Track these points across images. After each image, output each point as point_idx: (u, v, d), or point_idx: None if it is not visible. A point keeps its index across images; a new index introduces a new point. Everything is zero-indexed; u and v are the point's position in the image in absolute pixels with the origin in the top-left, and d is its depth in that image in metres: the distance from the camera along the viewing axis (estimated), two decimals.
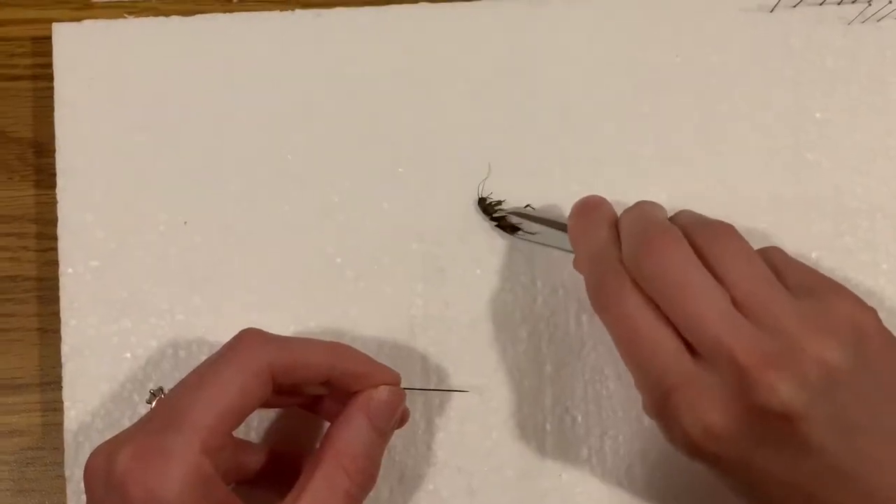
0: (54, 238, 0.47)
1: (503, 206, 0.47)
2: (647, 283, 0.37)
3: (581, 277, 0.41)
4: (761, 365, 0.34)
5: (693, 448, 0.35)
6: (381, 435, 0.39)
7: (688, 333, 0.36)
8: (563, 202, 0.47)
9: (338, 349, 0.40)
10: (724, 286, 0.36)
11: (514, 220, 0.47)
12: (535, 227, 0.46)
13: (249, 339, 0.38)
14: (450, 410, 0.46)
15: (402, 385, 0.41)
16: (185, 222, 0.47)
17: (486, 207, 0.47)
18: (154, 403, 0.39)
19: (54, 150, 0.47)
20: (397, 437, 0.45)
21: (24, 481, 0.47)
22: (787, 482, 0.35)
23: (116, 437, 0.37)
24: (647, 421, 0.45)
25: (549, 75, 0.49)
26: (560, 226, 0.45)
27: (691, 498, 0.45)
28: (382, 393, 0.39)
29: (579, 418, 0.46)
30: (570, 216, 0.43)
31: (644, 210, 0.41)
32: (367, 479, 0.38)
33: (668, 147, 0.48)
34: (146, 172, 0.47)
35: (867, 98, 0.49)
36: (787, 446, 0.34)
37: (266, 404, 0.39)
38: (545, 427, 0.46)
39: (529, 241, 0.46)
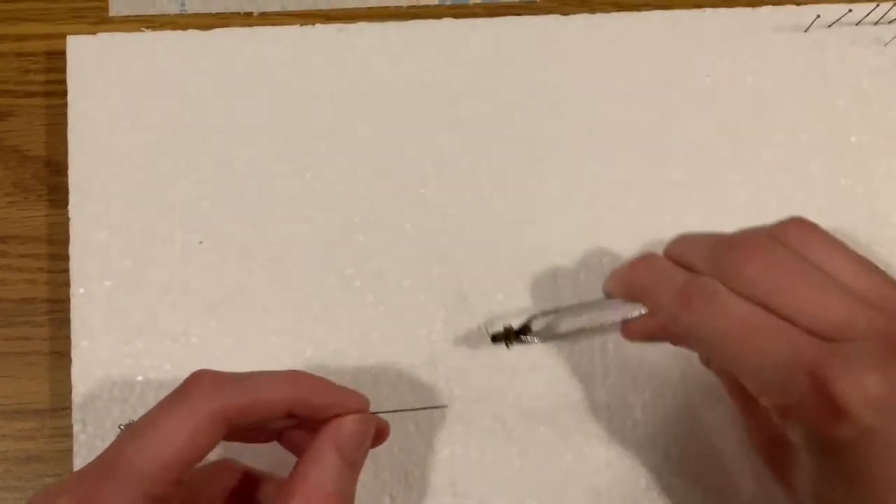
0: (68, 259, 0.43)
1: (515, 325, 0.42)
2: (749, 288, 0.32)
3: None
4: None
5: (845, 420, 0.30)
6: (352, 466, 0.35)
7: (812, 321, 0.31)
8: (590, 226, 0.44)
9: (297, 380, 0.36)
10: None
11: (539, 325, 0.42)
12: (567, 322, 0.41)
13: (199, 381, 0.34)
14: (470, 438, 0.42)
15: (374, 408, 0.37)
16: (201, 242, 0.43)
17: (506, 335, 0.41)
18: None
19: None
20: (415, 466, 0.42)
21: None
22: None
23: (58, 483, 0.33)
24: (669, 449, 0.42)
25: (577, 95, 0.45)
26: (593, 304, 0.41)
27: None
28: (350, 424, 0.35)
29: (603, 447, 0.42)
30: (626, 271, 0.37)
31: (697, 233, 0.37)
32: None
33: (698, 171, 0.44)
34: (161, 190, 0.44)
35: None
36: None
37: (231, 439, 0.36)
38: (567, 456, 0.42)
39: (566, 342, 0.42)
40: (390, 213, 0.44)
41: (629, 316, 0.40)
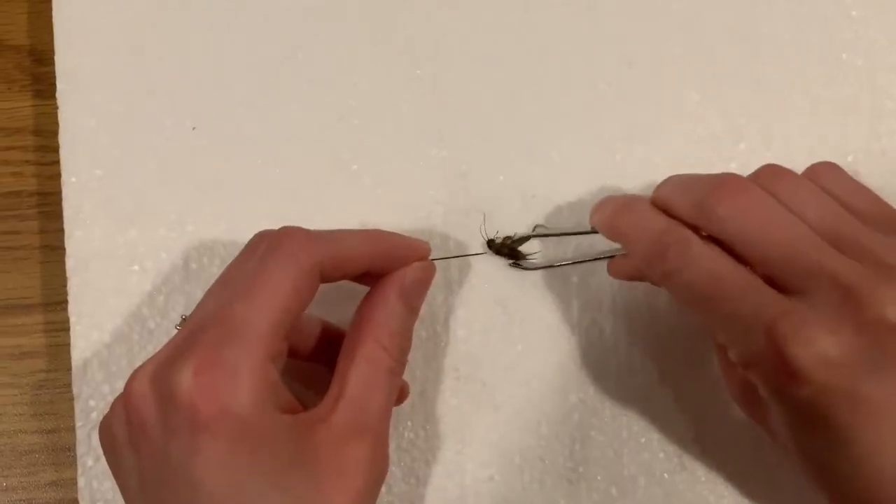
0: (57, 150, 0.40)
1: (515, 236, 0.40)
2: (722, 228, 0.32)
3: None
4: (867, 283, 0.29)
5: (799, 381, 0.29)
6: (414, 311, 0.36)
7: (777, 268, 0.31)
8: (589, 104, 0.41)
9: (375, 236, 0.36)
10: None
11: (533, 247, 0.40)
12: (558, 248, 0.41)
13: (293, 237, 0.33)
14: (473, 322, 0.40)
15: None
16: (193, 127, 0.40)
17: (500, 248, 0.40)
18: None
19: (54, 57, 0.41)
20: (417, 351, 0.39)
21: (39, 404, 0.41)
22: (887, 419, 0.29)
23: (158, 358, 0.32)
24: (675, 333, 0.39)
25: None
26: (584, 233, 0.40)
27: (720, 409, 0.39)
28: (412, 272, 0.35)
29: (607, 329, 0.40)
30: (608, 214, 0.36)
31: (687, 174, 0.36)
32: (404, 354, 0.35)
33: (699, 46, 0.42)
34: (151, 75, 0.41)
35: None
36: (893, 369, 0.29)
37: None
38: (571, 339, 0.40)
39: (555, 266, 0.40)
40: (386, 94, 0.41)
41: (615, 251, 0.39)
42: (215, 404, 0.29)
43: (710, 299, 0.31)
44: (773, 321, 0.29)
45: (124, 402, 0.31)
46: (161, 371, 0.31)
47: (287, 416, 0.31)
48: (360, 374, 0.33)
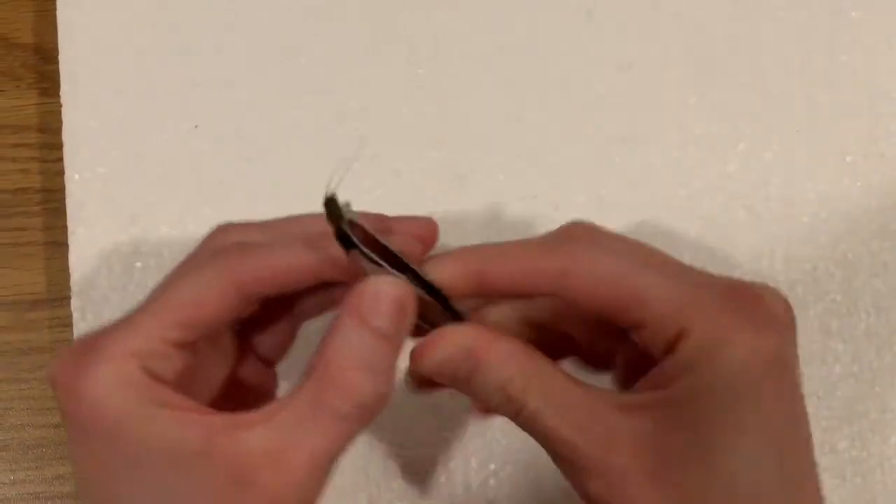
0: (62, 148, 0.40)
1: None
2: None
3: None
4: None
5: None
6: (385, 338, 0.26)
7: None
8: (589, 105, 0.41)
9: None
10: None
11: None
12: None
13: (229, 253, 0.29)
14: None
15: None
16: (196, 126, 0.40)
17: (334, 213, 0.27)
18: None
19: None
20: None
21: (46, 399, 0.41)
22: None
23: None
24: None
25: None
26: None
27: None
28: (375, 285, 0.27)
29: None
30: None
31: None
32: (363, 396, 0.26)
33: (696, 49, 0.41)
34: (154, 75, 0.41)
35: None
36: None
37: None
38: None
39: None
40: (385, 95, 0.41)
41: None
42: (70, 389, 0.26)
43: None
44: None
45: None
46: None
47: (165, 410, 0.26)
48: (294, 410, 0.26)
